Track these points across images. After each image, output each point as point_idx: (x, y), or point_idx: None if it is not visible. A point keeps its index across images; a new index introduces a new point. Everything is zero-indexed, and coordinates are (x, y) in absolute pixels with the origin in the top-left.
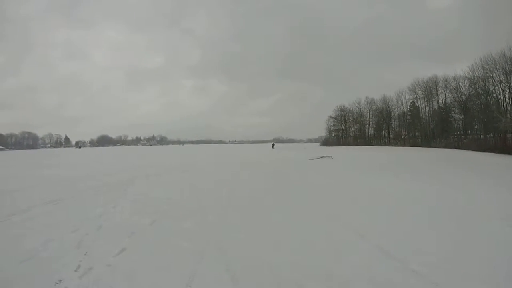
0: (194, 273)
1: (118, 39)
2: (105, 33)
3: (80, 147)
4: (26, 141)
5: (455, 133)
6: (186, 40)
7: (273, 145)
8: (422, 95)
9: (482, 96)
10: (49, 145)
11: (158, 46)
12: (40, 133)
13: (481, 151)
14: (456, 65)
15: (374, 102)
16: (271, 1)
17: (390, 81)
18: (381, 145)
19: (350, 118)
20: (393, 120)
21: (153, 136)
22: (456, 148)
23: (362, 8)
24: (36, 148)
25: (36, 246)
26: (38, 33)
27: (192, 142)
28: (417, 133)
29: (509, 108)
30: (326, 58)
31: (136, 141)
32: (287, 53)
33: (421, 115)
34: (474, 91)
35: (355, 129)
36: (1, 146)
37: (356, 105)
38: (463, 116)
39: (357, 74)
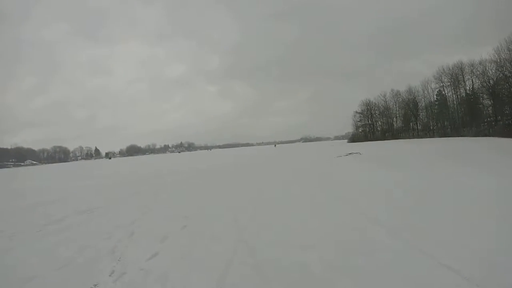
0: (225, 275)
1: (141, 53)
2: (128, 49)
3: (110, 158)
4: (58, 155)
5: (485, 120)
6: (205, 48)
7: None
8: (449, 83)
9: (511, 79)
10: (80, 157)
11: (179, 56)
12: (71, 146)
13: None
14: (482, 48)
15: (400, 94)
16: (282, 3)
17: (414, 72)
18: (410, 138)
19: (376, 112)
20: (420, 111)
21: (181, 143)
22: (486, 135)
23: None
24: (67, 161)
25: (72, 253)
26: (63, 54)
27: (220, 147)
28: (446, 123)
29: None
30: (346, 53)
31: (165, 149)
32: (307, 51)
33: (448, 103)
34: (501, 74)
35: (382, 123)
36: (34, 161)
37: (382, 98)
38: (492, 101)
39: (379, 68)
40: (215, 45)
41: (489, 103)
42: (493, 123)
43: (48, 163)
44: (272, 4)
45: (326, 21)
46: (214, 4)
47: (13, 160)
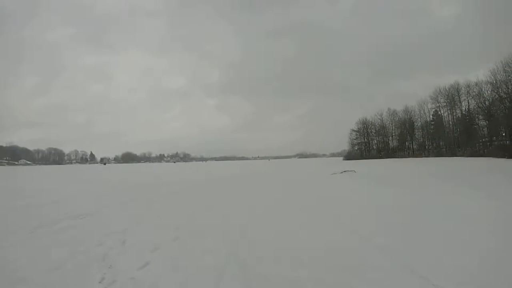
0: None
1: (142, 62)
2: (130, 57)
3: (105, 164)
4: (53, 157)
5: (480, 140)
6: (206, 62)
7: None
8: (445, 103)
9: (506, 100)
10: (74, 161)
11: (180, 69)
12: (66, 149)
13: (507, 158)
14: (478, 70)
15: (397, 114)
16: (281, 21)
17: (409, 92)
18: (405, 157)
19: (372, 130)
20: (416, 131)
21: (177, 153)
22: (481, 156)
23: (375, 22)
24: (61, 163)
25: (63, 257)
26: (66, 57)
27: (215, 159)
28: (441, 143)
29: None
30: (344, 72)
31: (160, 158)
32: (305, 69)
33: (444, 124)
34: (497, 95)
35: (378, 141)
36: (28, 161)
37: (379, 117)
38: (487, 122)
39: (376, 87)
40: (215, 60)
41: (485, 123)
42: (488, 143)
43: (42, 164)
44: (271, 22)
45: (324, 41)
46: (216, 20)
47: (7, 158)
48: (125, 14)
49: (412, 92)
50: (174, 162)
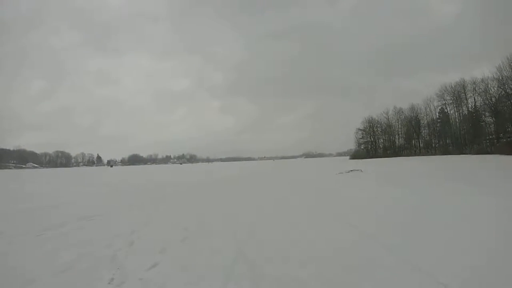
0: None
1: (147, 66)
2: (135, 61)
3: (111, 166)
4: (60, 160)
5: (487, 137)
6: (210, 64)
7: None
8: (451, 101)
9: None
10: (81, 164)
11: (184, 71)
12: (73, 152)
13: None
14: (478, 67)
15: (403, 112)
16: (281, 22)
17: (412, 90)
18: (411, 155)
19: (378, 129)
20: (422, 129)
21: (183, 154)
22: (488, 153)
23: (375, 22)
24: (69, 166)
25: (72, 259)
26: (73, 62)
27: (222, 160)
28: (448, 141)
29: None
30: (347, 71)
31: (166, 159)
32: (308, 69)
33: (451, 121)
34: (503, 91)
35: (384, 140)
36: (36, 164)
37: (384, 115)
38: (494, 119)
39: (379, 85)
40: (218, 61)
41: (491, 120)
42: (495, 140)
43: (50, 167)
44: (272, 23)
45: (324, 41)
46: (217, 22)
47: (15, 162)
48: (128, 18)
49: (414, 90)
50: (181, 164)
